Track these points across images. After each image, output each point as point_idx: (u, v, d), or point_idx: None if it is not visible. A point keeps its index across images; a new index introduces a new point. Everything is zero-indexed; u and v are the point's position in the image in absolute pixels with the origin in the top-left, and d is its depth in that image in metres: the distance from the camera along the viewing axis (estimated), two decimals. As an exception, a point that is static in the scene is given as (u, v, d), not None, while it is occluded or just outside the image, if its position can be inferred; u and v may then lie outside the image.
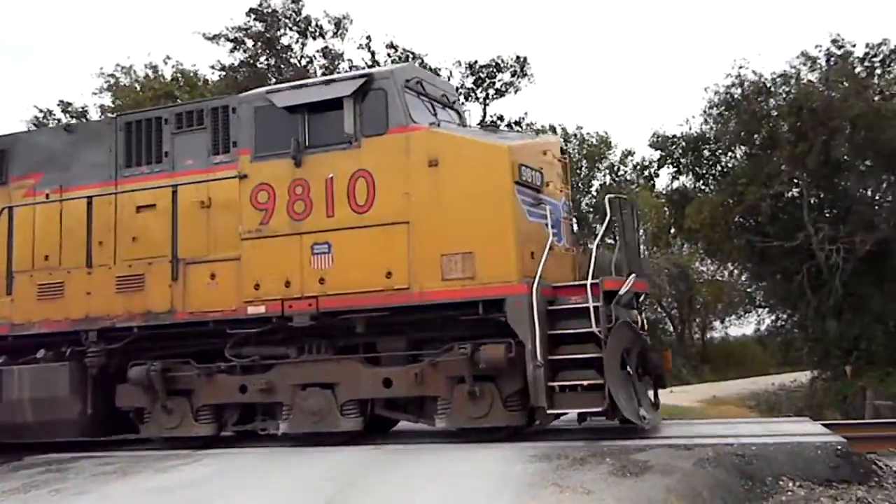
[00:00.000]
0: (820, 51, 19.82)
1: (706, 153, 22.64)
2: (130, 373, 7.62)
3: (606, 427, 6.96)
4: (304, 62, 23.14)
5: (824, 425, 7.34)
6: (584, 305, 6.43)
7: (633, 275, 6.53)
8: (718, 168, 22.80)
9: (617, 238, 7.71)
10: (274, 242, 7.29)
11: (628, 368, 6.46)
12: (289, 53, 23.09)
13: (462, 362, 6.66)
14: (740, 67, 20.43)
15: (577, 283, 6.78)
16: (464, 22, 62.10)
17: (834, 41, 19.65)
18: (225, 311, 7.33)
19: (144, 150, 8.22)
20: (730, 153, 22.50)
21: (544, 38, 65.79)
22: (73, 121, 16.67)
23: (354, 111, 7.10)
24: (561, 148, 8.35)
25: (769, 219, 19.83)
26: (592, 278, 6.53)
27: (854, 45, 19.54)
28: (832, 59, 19.71)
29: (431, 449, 6.79)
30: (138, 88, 23.45)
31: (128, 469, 6.68)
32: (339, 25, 23.29)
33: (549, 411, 6.41)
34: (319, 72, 22.26)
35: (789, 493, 5.27)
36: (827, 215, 20.24)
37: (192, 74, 24.01)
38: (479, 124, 7.80)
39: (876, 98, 18.92)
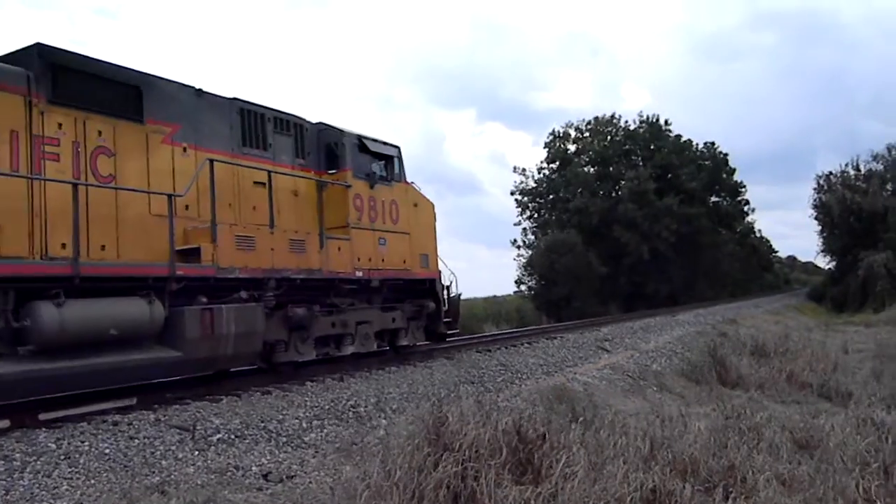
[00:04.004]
0: None
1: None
2: (293, 311, 12.45)
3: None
4: None
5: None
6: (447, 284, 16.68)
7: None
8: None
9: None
10: (365, 233, 14.09)
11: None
12: None
13: (420, 310, 15.67)
14: None
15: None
16: None
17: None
18: (343, 272, 13.50)
19: (253, 136, 12.80)
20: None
21: None
22: None
23: (394, 165, 15.00)
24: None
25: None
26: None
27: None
28: None
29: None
30: None
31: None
32: None
33: (450, 332, 16.30)
34: None
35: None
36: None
37: None
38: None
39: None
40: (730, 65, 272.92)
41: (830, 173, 66.96)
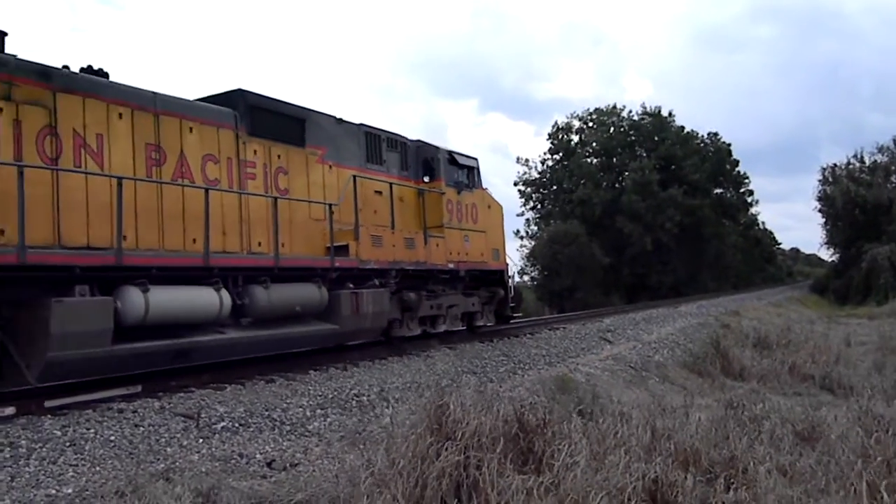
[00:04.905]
0: None
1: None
2: (407, 295, 16.49)
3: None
4: None
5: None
6: (511, 275, 20.80)
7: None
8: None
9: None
10: (454, 232, 18.17)
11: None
12: None
13: (492, 296, 19.81)
14: None
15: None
16: None
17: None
18: (440, 264, 17.57)
19: (374, 154, 16.85)
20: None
21: None
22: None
23: (474, 175, 19.13)
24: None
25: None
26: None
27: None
28: None
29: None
30: None
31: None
32: None
33: (514, 314, 20.47)
34: None
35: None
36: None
37: None
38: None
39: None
40: (732, 56, 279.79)
41: (835, 165, 70.56)
